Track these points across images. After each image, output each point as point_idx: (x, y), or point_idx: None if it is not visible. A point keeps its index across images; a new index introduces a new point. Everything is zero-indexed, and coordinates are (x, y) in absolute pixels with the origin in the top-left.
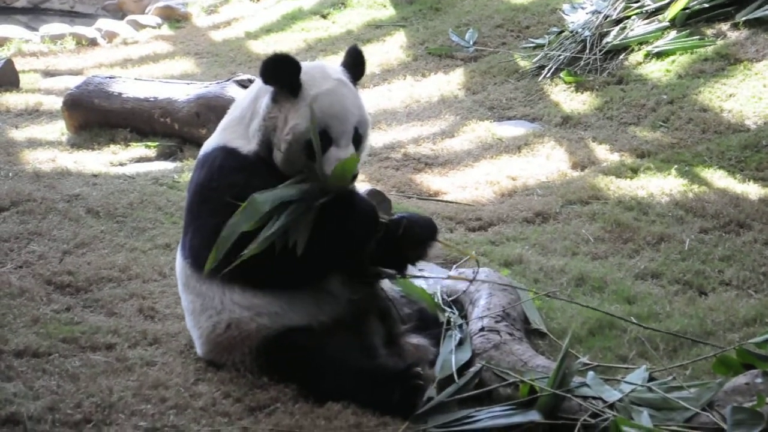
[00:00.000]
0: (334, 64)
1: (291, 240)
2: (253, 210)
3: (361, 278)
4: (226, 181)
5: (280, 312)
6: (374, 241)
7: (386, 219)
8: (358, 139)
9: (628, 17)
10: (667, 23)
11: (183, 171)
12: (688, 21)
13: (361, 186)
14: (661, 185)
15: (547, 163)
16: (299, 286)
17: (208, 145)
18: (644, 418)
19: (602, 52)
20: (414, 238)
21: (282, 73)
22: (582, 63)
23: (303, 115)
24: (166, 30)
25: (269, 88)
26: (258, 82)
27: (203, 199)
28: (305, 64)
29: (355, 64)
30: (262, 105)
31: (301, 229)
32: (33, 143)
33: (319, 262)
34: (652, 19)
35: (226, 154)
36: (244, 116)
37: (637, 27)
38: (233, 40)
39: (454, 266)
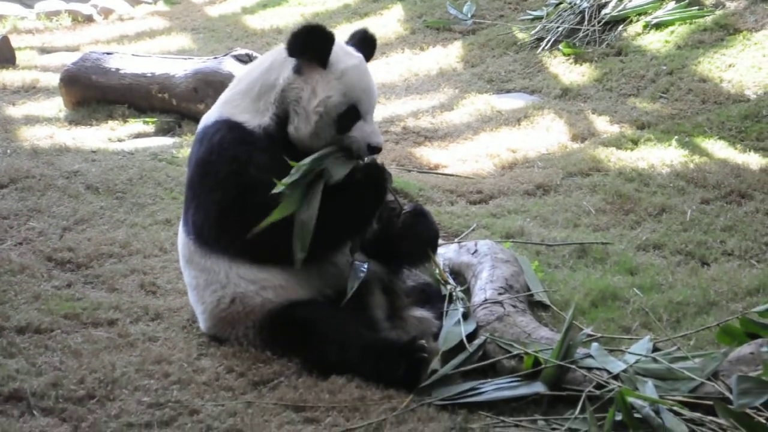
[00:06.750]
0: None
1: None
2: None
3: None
4: (228, 154)
5: (285, 285)
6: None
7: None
8: None
9: None
10: None
11: (181, 146)
12: None
13: None
14: (661, 156)
15: (547, 135)
16: (309, 260)
17: (208, 118)
18: (649, 388)
19: (601, 24)
20: (414, 235)
21: (315, 44)
22: (580, 34)
23: (335, 88)
24: (162, 6)
25: (288, 61)
26: (270, 55)
27: (204, 174)
28: None
29: (365, 47)
30: (280, 77)
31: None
32: (31, 120)
33: (329, 236)
34: None
35: (228, 127)
36: (251, 89)
37: None
38: (229, 15)
39: (456, 239)
